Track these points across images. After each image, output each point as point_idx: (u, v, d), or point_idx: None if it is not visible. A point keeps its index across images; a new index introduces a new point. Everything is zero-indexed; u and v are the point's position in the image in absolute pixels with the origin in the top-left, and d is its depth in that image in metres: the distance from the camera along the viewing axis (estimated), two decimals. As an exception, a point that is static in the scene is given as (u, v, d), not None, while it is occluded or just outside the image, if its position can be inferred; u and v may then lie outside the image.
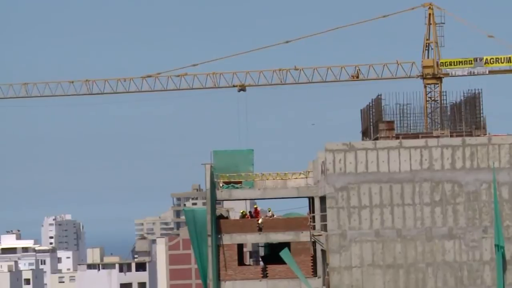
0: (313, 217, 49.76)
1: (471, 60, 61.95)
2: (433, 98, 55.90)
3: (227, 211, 56.50)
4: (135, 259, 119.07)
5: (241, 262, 52.64)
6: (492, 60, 62.31)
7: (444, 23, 62.46)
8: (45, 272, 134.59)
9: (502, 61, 61.79)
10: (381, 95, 46.53)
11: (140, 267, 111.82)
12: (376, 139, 44.95)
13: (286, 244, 50.06)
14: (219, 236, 51.03)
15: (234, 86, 66.72)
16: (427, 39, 60.95)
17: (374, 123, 47.30)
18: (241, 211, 55.93)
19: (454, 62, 62.72)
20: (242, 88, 67.67)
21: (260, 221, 52.26)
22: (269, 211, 55.37)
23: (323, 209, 44.11)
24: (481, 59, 61.57)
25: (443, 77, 62.20)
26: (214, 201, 51.23)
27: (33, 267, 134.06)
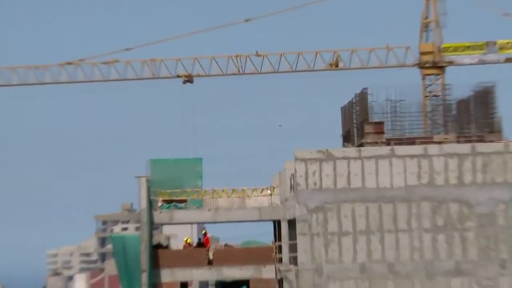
0: (280, 246, 35.56)
1: (482, 45, 45.39)
2: (434, 93, 42.12)
3: (168, 238, 43.15)
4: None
5: (185, 306, 41.98)
6: (509, 44, 44.81)
7: (448, -3, 46.79)
8: None
9: (522, 45, 45.50)
10: (367, 89, 33.33)
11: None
12: (361, 145, 32.62)
13: (244, 282, 37.38)
14: (157, 271, 36.65)
15: (178, 76, 47.95)
16: (425, 18, 44.80)
17: (359, 124, 34.60)
18: (186, 239, 42.61)
19: (460, 47, 47.63)
20: (189, 79, 48.30)
21: (210, 252, 38.92)
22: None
23: (293, 236, 31.22)
24: (494, 43, 46.54)
25: (446, 66, 47.94)
26: (151, 226, 37.79)
27: None
